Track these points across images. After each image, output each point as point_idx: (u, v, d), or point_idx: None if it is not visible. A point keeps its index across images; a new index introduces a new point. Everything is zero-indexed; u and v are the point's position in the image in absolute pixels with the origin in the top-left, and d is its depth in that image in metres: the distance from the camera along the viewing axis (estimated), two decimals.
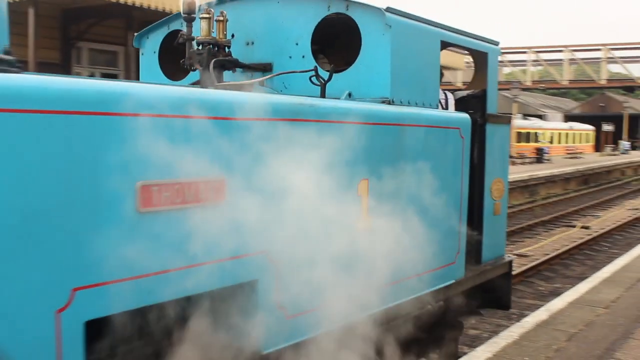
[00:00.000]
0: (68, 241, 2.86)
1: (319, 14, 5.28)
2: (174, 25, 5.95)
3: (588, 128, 60.55)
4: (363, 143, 4.54)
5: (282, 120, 3.89)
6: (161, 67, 6.10)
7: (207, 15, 4.75)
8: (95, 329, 3.04)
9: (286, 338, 4.03)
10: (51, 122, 2.78)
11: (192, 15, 4.71)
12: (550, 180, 27.70)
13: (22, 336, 2.72)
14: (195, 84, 5.05)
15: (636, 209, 22.02)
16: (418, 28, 5.55)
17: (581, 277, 11.27)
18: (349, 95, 5.00)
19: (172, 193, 3.29)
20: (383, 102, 5.10)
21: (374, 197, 4.67)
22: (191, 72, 5.44)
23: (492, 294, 6.76)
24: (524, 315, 8.17)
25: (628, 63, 42.88)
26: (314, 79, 4.78)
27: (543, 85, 53.13)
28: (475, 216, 6.37)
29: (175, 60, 5.37)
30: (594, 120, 62.05)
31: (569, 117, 65.01)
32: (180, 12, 4.95)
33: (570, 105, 76.78)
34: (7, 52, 3.17)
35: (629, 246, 14.14)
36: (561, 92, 71.94)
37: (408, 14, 5.48)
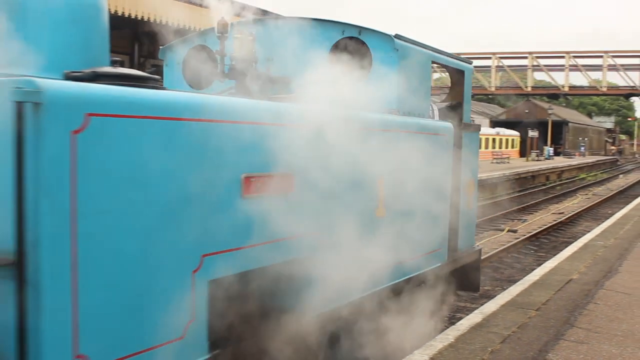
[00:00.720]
0: (200, 219, 3.84)
1: (333, 37, 6.31)
2: (197, 41, 6.87)
3: (514, 134, 62.03)
4: (380, 147, 5.60)
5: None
6: (185, 78, 6.92)
7: (239, 35, 5.53)
8: (214, 287, 4.03)
9: (331, 302, 5.10)
10: (191, 128, 3.74)
11: (226, 35, 5.49)
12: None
13: (173, 289, 3.71)
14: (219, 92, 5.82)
15: (561, 213, 22.64)
16: (417, 50, 6.67)
17: (510, 280, 11.52)
18: None
19: (262, 184, 4.32)
20: (390, 112, 6.14)
21: (386, 192, 5.76)
22: (214, 83, 6.26)
23: (464, 278, 8.02)
24: (457, 318, 8.30)
25: (552, 71, 44.15)
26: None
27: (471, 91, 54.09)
28: (453, 210, 7.39)
29: (198, 72, 6.29)
30: (519, 126, 63.60)
31: (495, 123, 66.46)
32: (201, 30, 6.34)
33: (497, 111, 78.54)
34: (115, 63, 3.97)
35: (555, 249, 14.54)
36: (488, 98, 73.48)
37: (409, 39, 6.59)
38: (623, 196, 30.25)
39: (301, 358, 4.96)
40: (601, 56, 42.27)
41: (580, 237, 14.12)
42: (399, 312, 6.15)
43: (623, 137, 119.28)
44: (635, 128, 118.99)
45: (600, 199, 28.08)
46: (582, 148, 74.00)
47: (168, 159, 3.59)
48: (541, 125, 62.06)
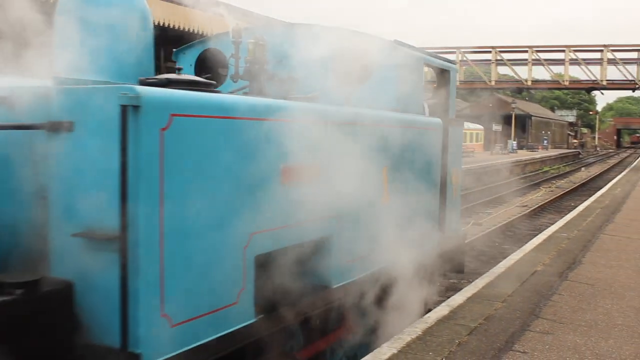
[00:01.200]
0: (249, 202, 4.50)
1: (338, 40, 6.61)
2: (208, 44, 7.44)
3: (478, 127, 62.57)
4: (385, 140, 6.34)
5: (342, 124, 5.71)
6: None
7: (253, 40, 6.05)
8: (259, 260, 4.68)
9: (346, 278, 5.88)
10: (244, 126, 4.45)
11: (240, 39, 6.03)
12: None
13: (230, 262, 4.38)
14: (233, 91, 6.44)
15: (525, 206, 22.92)
16: (411, 54, 7.37)
17: (476, 273, 11.61)
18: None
19: (297, 173, 5.01)
20: (393, 110, 6.85)
21: (389, 180, 6.47)
22: (226, 83, 6.91)
23: (450, 260, 8.73)
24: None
25: (515, 65, 44.54)
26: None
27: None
28: (442, 197, 8.13)
29: (209, 73, 6.75)
30: (483, 120, 64.13)
31: (459, 117, 66.77)
32: (212, 34, 7.11)
33: (461, 105, 79.16)
34: (171, 70, 4.77)
35: (520, 242, 14.69)
36: None
37: (405, 43, 7.29)
38: (585, 189, 30.72)
39: (329, 320, 5.98)
40: (563, 50, 42.75)
41: (545, 229, 14.29)
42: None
43: (585, 130, 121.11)
44: (597, 121, 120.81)
45: (564, 192, 28.49)
46: (545, 141, 74.93)
47: (227, 151, 4.28)
48: (505, 119, 62.70)
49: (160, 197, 3.72)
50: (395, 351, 5.86)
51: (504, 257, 10.60)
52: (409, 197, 6.74)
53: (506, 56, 43.97)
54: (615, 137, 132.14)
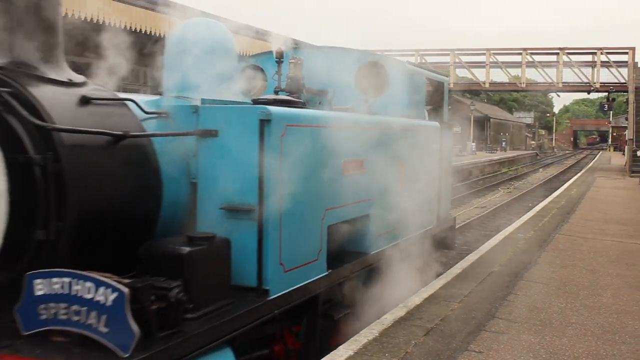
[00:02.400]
0: (324, 186, 6.05)
1: (360, 60, 8.47)
2: (251, 61, 8.72)
3: None
4: (402, 141, 7.95)
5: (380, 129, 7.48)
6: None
7: (293, 60, 7.54)
8: (330, 229, 6.29)
9: (376, 247, 7.45)
10: (324, 132, 6.03)
11: (282, 59, 7.35)
12: None
13: (314, 229, 5.98)
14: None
15: (483, 207, 23.17)
16: (417, 71, 9.28)
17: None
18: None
19: (352, 166, 6.63)
20: (407, 117, 8.58)
21: (405, 172, 8.12)
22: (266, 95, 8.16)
23: (443, 240, 10.48)
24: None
25: (473, 68, 44.94)
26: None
27: None
28: (438, 186, 9.88)
29: (252, 85, 8.15)
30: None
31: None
32: (256, 53, 9.13)
33: None
34: (276, 93, 7.20)
35: (478, 242, 14.83)
36: None
37: (413, 63, 9.75)
38: (543, 189, 31.12)
39: (370, 275, 7.52)
40: (520, 53, 43.26)
41: (502, 229, 14.45)
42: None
43: (542, 132, 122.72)
44: (554, 123, 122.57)
45: (521, 193, 28.85)
46: (504, 143, 75.77)
47: (314, 150, 5.81)
48: (463, 121, 63.24)
49: (280, 182, 5.28)
50: (351, 353, 5.88)
51: (461, 259, 10.68)
52: (417, 186, 8.45)
53: (464, 59, 44.34)
54: (572, 138, 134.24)
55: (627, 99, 40.90)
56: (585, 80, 42.08)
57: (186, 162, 5.44)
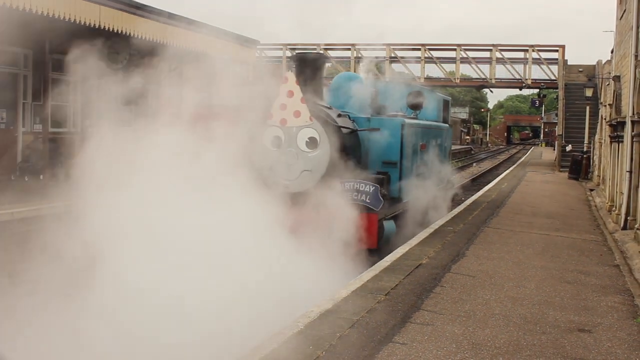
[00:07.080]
0: (417, 154, 13.61)
1: (409, 88, 15.15)
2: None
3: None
4: (437, 135, 15.79)
5: (424, 129, 14.60)
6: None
7: (374, 89, 14.06)
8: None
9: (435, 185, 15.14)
10: (418, 130, 13.70)
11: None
12: None
13: (414, 173, 13.72)
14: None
15: None
16: (438, 95, 17.12)
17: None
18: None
19: (422, 146, 13.99)
20: (435, 121, 16.04)
21: (439, 151, 15.82)
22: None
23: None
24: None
25: (409, 63, 45.26)
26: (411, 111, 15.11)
27: None
28: (448, 163, 18.02)
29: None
30: None
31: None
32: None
33: None
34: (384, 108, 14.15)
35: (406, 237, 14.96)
36: None
37: (438, 90, 20.11)
38: (476, 183, 31.61)
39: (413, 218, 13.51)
40: (454, 49, 43.83)
41: (432, 223, 14.60)
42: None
43: (477, 127, 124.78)
44: (488, 119, 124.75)
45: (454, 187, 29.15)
46: None
47: (421, 143, 13.61)
48: None
49: (405, 152, 12.42)
50: (276, 345, 5.84)
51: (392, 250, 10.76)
52: (445, 158, 16.57)
53: (400, 54, 44.69)
54: (505, 133, 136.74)
55: (557, 96, 41.79)
56: (518, 77, 42.87)
57: (362, 146, 12.04)
